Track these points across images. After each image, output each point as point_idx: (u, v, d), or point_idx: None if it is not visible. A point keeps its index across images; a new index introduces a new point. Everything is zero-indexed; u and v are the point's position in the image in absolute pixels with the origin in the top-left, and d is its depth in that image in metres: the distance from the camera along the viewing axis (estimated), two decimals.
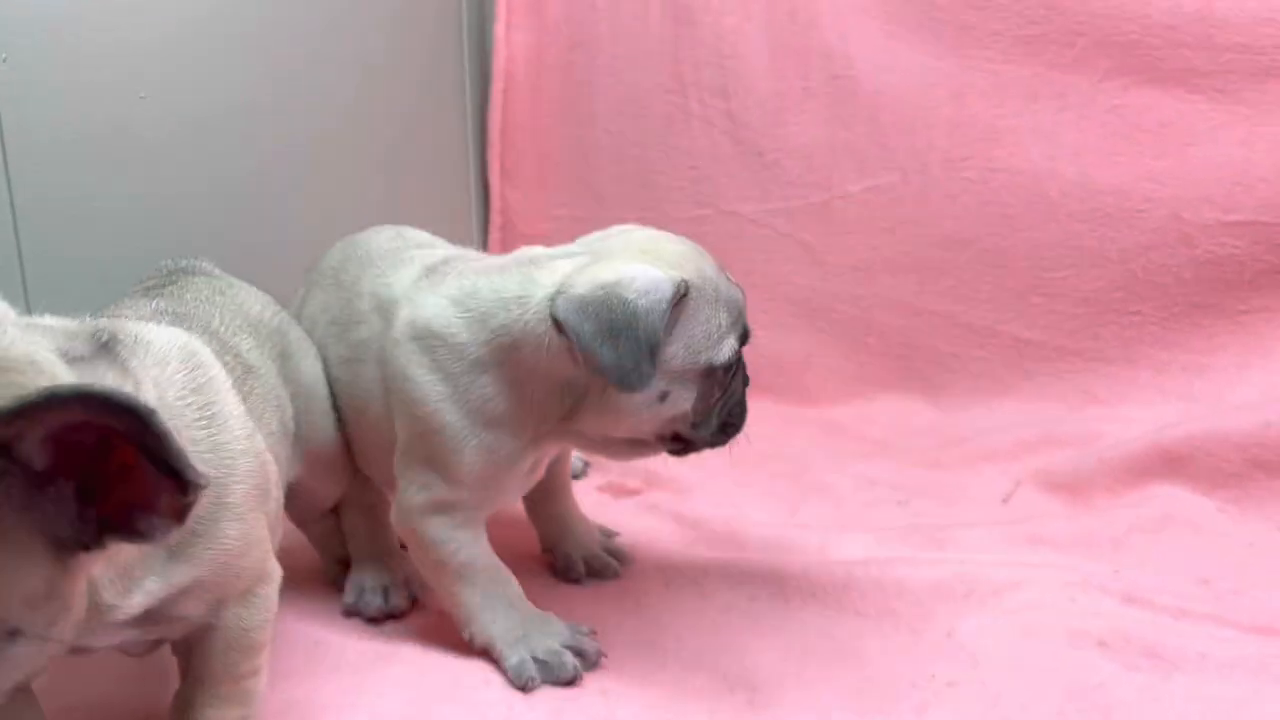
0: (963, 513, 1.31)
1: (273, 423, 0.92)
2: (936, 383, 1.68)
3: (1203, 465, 1.29)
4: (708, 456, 1.49)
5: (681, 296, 0.89)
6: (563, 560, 1.18)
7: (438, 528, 0.98)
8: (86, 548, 0.54)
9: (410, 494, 0.99)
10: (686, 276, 0.90)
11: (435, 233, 1.82)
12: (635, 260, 0.91)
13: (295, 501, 1.10)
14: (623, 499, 1.41)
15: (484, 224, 1.94)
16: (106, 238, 1.18)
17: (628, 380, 0.86)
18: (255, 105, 1.37)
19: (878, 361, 1.73)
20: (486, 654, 0.99)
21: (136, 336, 0.73)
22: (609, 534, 1.24)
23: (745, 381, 1.01)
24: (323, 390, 1.08)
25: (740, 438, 1.02)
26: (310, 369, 1.06)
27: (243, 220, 1.38)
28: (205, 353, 0.79)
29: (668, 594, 1.13)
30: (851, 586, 1.09)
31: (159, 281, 1.01)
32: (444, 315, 0.96)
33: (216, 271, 1.08)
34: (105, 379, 0.62)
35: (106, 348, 0.65)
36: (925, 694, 0.91)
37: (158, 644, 0.80)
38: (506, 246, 1.92)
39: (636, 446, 1.01)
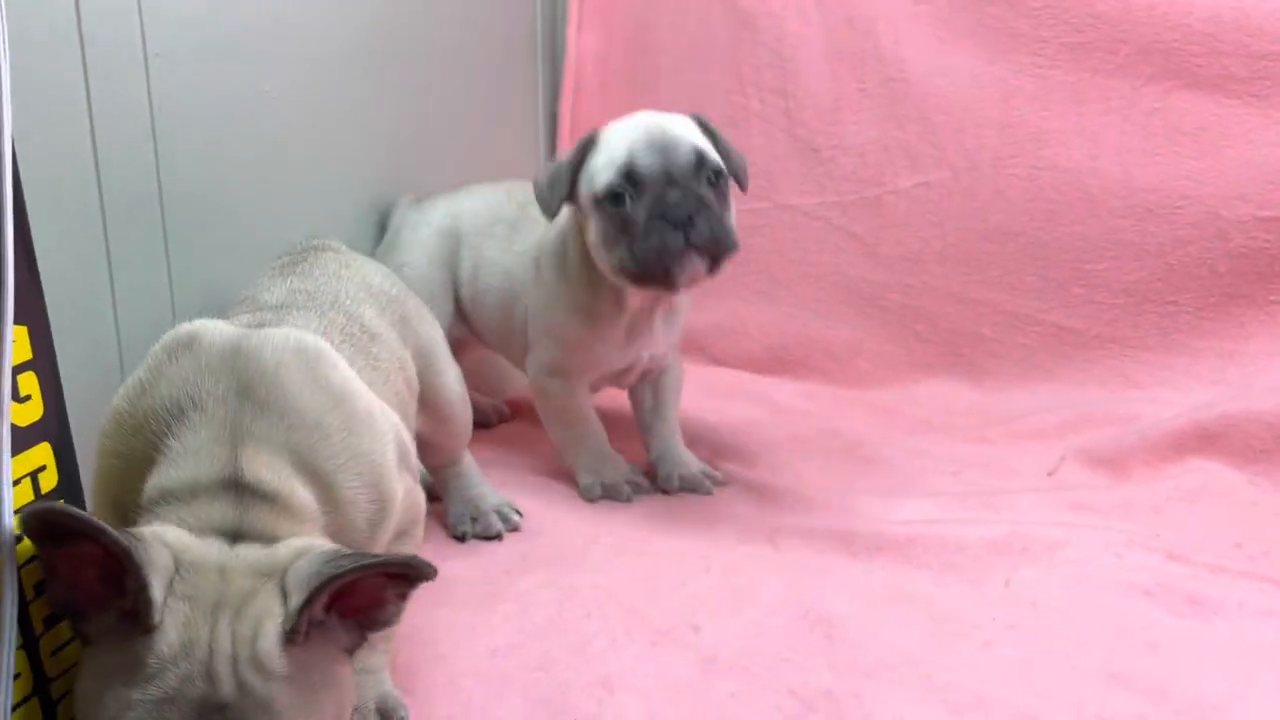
0: (1011, 483, 1.36)
1: (398, 382, 1.00)
2: (982, 368, 1.72)
3: (1235, 442, 1.34)
4: (767, 430, 1.56)
5: None
6: (663, 473, 1.41)
7: (551, 384, 1.38)
8: (359, 643, 0.73)
9: (538, 358, 1.38)
10: None
11: None
12: None
13: (423, 453, 1.21)
14: None
15: None
16: (240, 219, 1.27)
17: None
18: (353, 102, 1.47)
19: (926, 347, 1.77)
20: (573, 479, 1.39)
21: (265, 402, 0.76)
22: (710, 473, 1.41)
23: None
24: (441, 349, 1.17)
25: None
26: (428, 331, 1.15)
27: (339, 207, 1.49)
28: (324, 351, 0.83)
29: (743, 549, 1.19)
30: (915, 542, 1.16)
31: (293, 259, 1.10)
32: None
33: (343, 248, 1.17)
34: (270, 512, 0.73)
35: (239, 486, 0.72)
36: (988, 634, 0.98)
37: None
38: None
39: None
